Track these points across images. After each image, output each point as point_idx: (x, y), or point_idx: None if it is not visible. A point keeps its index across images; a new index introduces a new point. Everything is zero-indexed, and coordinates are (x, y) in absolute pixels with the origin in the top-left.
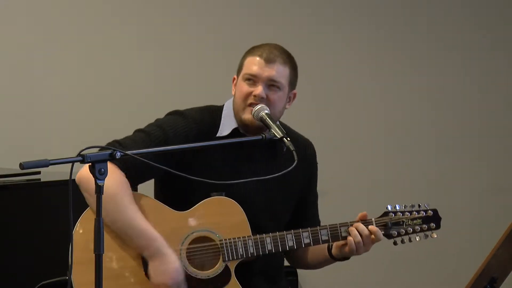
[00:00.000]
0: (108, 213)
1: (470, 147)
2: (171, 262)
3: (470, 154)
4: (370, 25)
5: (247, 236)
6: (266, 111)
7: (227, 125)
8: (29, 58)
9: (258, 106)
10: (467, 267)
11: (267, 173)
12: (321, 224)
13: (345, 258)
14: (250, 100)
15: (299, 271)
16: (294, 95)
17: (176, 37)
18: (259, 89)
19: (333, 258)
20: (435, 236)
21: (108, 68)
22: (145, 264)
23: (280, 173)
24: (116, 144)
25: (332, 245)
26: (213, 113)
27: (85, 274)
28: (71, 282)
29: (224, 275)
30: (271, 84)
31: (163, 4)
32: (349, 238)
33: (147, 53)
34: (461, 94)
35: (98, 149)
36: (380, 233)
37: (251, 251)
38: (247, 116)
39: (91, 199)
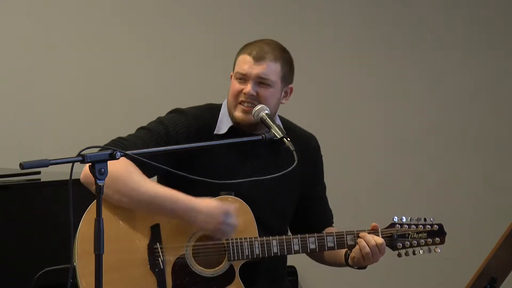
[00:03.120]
0: (126, 192)
1: (470, 147)
2: (206, 206)
3: (470, 154)
4: (372, 24)
5: (254, 238)
6: (266, 111)
7: (224, 123)
8: (29, 58)
9: (258, 107)
10: (467, 268)
11: (269, 169)
12: (332, 216)
13: (360, 267)
14: (241, 97)
15: (299, 271)
16: (291, 89)
17: (176, 37)
18: (248, 87)
19: (349, 266)
20: (439, 250)
21: (108, 68)
22: (150, 255)
23: (279, 173)
24: (120, 140)
25: (349, 254)
26: (213, 111)
27: (89, 266)
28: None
29: (228, 275)
30: (260, 81)
31: (163, 4)
32: (357, 248)
33: (147, 54)
34: (461, 94)
35: (98, 149)
36: (384, 245)
37: (257, 252)
38: (237, 114)
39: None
